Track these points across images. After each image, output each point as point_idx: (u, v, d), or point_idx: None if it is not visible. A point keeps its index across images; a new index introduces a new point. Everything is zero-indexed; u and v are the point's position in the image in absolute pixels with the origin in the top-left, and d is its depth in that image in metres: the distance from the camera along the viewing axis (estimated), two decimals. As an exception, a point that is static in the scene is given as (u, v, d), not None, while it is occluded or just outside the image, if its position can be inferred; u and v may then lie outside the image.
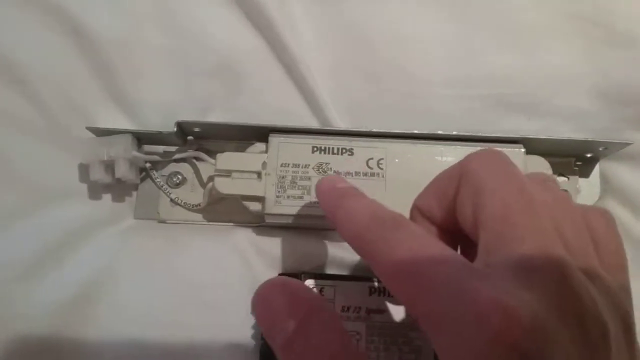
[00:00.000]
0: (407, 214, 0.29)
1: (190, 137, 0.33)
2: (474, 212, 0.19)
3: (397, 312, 0.27)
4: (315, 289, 0.28)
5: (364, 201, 0.21)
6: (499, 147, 0.31)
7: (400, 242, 0.18)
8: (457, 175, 0.20)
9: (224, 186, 0.30)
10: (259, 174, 0.30)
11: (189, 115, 0.31)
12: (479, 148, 0.30)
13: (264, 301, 0.19)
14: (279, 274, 0.31)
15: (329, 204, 0.22)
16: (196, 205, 0.33)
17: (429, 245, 0.17)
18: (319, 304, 0.19)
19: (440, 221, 0.22)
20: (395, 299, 0.27)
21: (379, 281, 0.28)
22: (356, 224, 0.20)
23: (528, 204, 0.18)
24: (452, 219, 0.21)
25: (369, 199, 0.21)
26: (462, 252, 0.17)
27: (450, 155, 0.31)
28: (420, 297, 0.16)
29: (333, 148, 0.31)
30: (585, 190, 0.34)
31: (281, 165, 0.30)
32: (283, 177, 0.30)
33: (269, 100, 0.35)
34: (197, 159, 0.33)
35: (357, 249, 0.20)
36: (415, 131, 0.31)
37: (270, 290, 0.19)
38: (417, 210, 0.23)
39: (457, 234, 0.21)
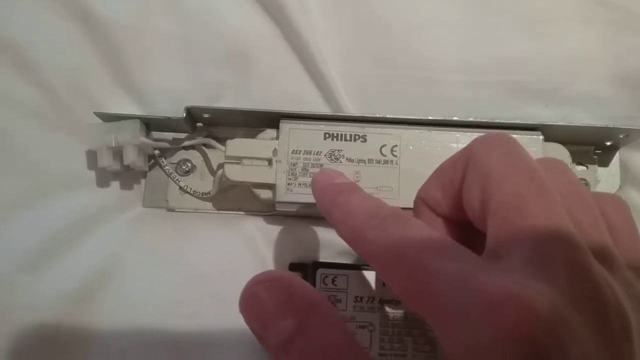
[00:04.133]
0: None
1: (199, 124, 0.33)
2: (482, 200, 0.18)
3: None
4: (328, 279, 0.28)
5: (362, 197, 0.20)
6: (517, 134, 0.30)
7: (402, 237, 0.17)
8: (462, 163, 0.19)
9: (234, 173, 0.29)
10: (269, 161, 0.29)
11: (200, 102, 0.31)
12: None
13: (255, 298, 0.17)
14: (290, 264, 0.31)
15: (325, 199, 0.21)
16: (205, 194, 0.33)
17: (432, 239, 0.17)
18: (320, 300, 0.17)
19: (446, 212, 0.20)
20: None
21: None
22: (355, 221, 0.19)
23: (540, 191, 0.17)
24: (458, 209, 0.19)
25: (367, 195, 0.20)
26: (471, 244, 0.16)
27: (466, 142, 0.29)
28: (425, 293, 0.15)
29: (345, 135, 0.30)
30: (605, 179, 0.33)
31: (292, 152, 0.30)
32: (294, 164, 0.29)
33: (280, 86, 0.34)
34: (207, 146, 0.33)
35: (356, 247, 0.19)
36: (430, 117, 0.30)
37: (262, 287, 0.17)
38: (421, 202, 0.21)
39: (465, 225, 0.20)
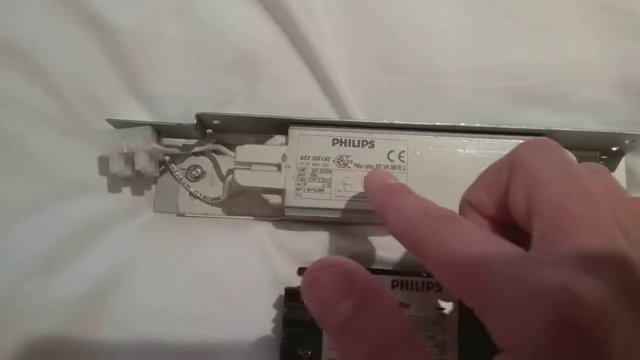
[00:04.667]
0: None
1: (209, 130, 0.33)
2: (527, 201, 0.19)
3: (421, 307, 0.27)
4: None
5: (415, 198, 0.21)
6: (522, 140, 0.30)
7: (456, 236, 0.18)
8: (507, 166, 0.20)
9: (244, 178, 0.30)
10: (278, 167, 0.30)
11: (209, 108, 0.31)
12: (502, 140, 0.30)
13: (317, 281, 0.18)
14: (299, 268, 0.31)
15: (379, 199, 0.23)
16: (215, 199, 0.33)
17: (484, 237, 0.18)
18: (379, 288, 0.18)
19: (491, 213, 0.22)
20: (422, 294, 0.27)
21: (401, 274, 0.27)
22: (408, 220, 0.20)
23: (584, 193, 0.17)
24: (503, 210, 0.21)
25: (418, 196, 0.21)
26: (516, 244, 0.17)
27: (473, 148, 0.30)
28: (478, 287, 0.16)
29: (354, 140, 0.30)
30: None
31: (301, 158, 0.30)
32: (303, 170, 0.30)
33: (288, 92, 0.34)
34: (217, 152, 0.33)
35: (408, 245, 0.20)
36: (437, 123, 0.30)
37: (325, 271, 0.18)
38: (468, 205, 0.23)
39: (509, 226, 0.21)
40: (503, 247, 0.17)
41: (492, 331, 0.16)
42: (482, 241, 0.17)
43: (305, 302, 0.18)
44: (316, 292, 0.18)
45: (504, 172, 0.20)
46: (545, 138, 0.20)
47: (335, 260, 0.19)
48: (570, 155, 0.19)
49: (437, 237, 0.18)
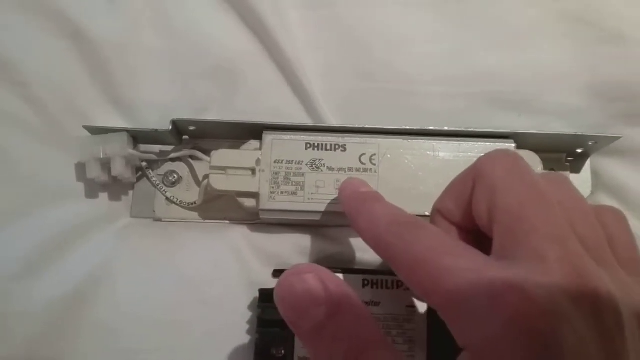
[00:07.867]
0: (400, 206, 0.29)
1: (185, 137, 0.34)
2: (488, 209, 0.20)
3: (391, 304, 0.28)
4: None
5: (385, 206, 0.22)
6: (490, 142, 0.31)
7: (418, 241, 0.19)
8: (471, 177, 0.21)
9: (219, 183, 0.30)
10: (253, 171, 0.30)
11: (186, 116, 0.32)
12: (470, 143, 0.31)
13: (290, 288, 0.19)
14: (274, 270, 0.31)
15: (351, 207, 0.24)
16: (192, 204, 0.33)
17: (447, 243, 0.19)
18: (351, 292, 0.19)
19: (458, 221, 0.23)
20: (392, 292, 0.28)
21: (372, 273, 0.28)
22: (377, 226, 0.21)
23: (540, 199, 0.18)
24: (469, 218, 0.21)
25: (388, 204, 0.23)
26: (481, 249, 0.19)
27: (442, 151, 0.31)
28: (438, 288, 0.17)
29: (326, 144, 0.31)
30: (577, 186, 0.34)
31: (275, 162, 0.31)
32: (277, 174, 0.31)
33: (264, 100, 0.35)
34: (193, 157, 0.34)
35: (378, 251, 0.21)
36: (407, 127, 0.31)
37: (298, 277, 0.19)
38: (437, 212, 0.24)
39: (475, 232, 0.22)
40: (464, 251, 0.18)
41: (454, 330, 0.17)
42: (444, 246, 0.18)
43: (279, 308, 0.19)
44: (290, 299, 0.19)
45: (468, 182, 0.21)
46: (506, 149, 0.22)
47: (308, 267, 0.20)
48: (529, 166, 0.20)
49: (402, 243, 0.19)
